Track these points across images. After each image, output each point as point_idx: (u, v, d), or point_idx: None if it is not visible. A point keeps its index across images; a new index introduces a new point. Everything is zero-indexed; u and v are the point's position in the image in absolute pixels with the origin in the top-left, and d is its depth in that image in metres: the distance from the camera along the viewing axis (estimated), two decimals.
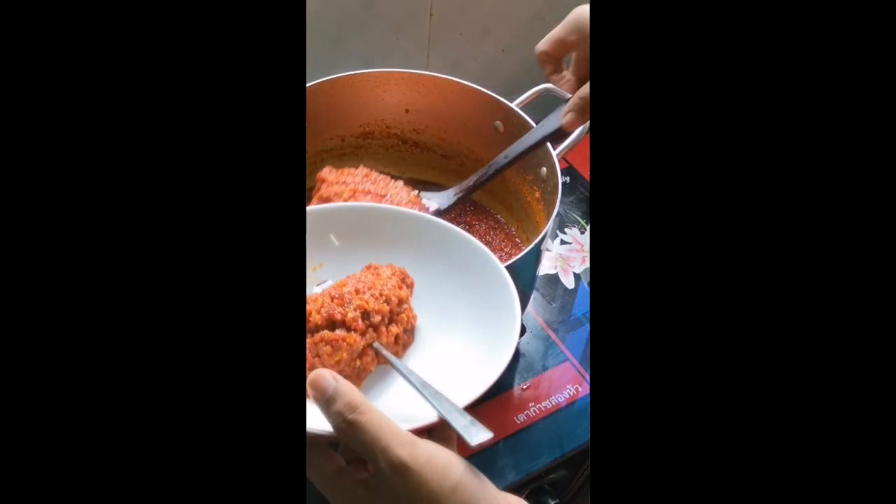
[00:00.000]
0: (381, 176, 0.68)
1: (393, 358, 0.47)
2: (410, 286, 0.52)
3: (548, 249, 0.86)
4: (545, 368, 0.75)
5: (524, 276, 0.69)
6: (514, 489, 0.67)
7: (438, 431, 0.42)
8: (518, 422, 0.70)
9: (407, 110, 0.79)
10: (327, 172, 0.67)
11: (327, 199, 0.65)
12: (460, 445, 0.42)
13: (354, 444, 0.38)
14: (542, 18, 0.89)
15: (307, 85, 0.70)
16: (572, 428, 0.70)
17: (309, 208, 0.53)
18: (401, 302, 0.50)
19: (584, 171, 0.95)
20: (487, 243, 0.77)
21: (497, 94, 0.73)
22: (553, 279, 0.84)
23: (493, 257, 0.51)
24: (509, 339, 0.47)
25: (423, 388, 0.43)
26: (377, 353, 0.47)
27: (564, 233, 0.90)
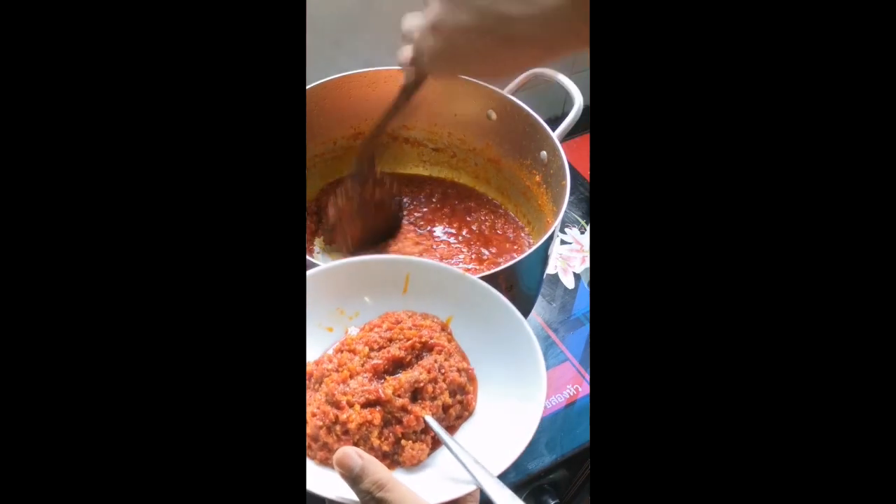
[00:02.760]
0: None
1: (437, 426, 0.47)
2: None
3: None
4: (545, 368, 0.75)
5: (531, 278, 0.69)
6: (514, 489, 0.67)
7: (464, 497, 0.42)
8: None
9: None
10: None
11: None
12: None
13: None
14: None
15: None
16: (572, 428, 0.70)
17: (341, 262, 0.53)
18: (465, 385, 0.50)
19: (584, 171, 0.95)
20: (490, 230, 0.78)
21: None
22: (553, 279, 0.84)
23: (521, 318, 0.51)
24: (537, 399, 0.47)
25: (463, 456, 0.43)
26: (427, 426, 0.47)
27: (564, 233, 0.90)
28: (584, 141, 0.97)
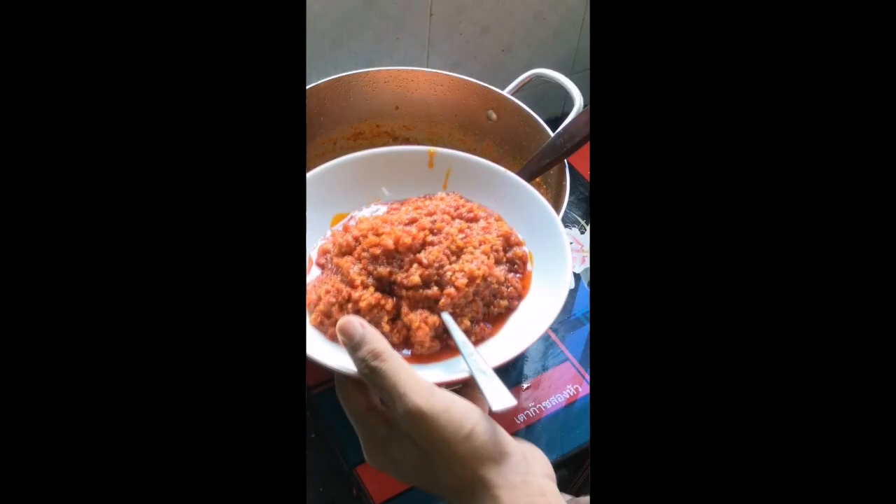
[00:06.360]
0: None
1: (445, 315, 0.47)
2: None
3: None
4: (545, 368, 0.75)
5: None
6: None
7: (470, 389, 0.43)
8: (518, 422, 0.70)
9: (397, 107, 0.79)
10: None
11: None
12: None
13: (376, 388, 0.40)
14: (543, 18, 0.89)
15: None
16: (572, 428, 0.70)
17: (358, 154, 0.55)
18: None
19: (584, 171, 0.95)
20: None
21: None
22: None
23: (550, 208, 0.52)
24: (561, 290, 0.48)
25: (463, 346, 0.44)
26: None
27: None
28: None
